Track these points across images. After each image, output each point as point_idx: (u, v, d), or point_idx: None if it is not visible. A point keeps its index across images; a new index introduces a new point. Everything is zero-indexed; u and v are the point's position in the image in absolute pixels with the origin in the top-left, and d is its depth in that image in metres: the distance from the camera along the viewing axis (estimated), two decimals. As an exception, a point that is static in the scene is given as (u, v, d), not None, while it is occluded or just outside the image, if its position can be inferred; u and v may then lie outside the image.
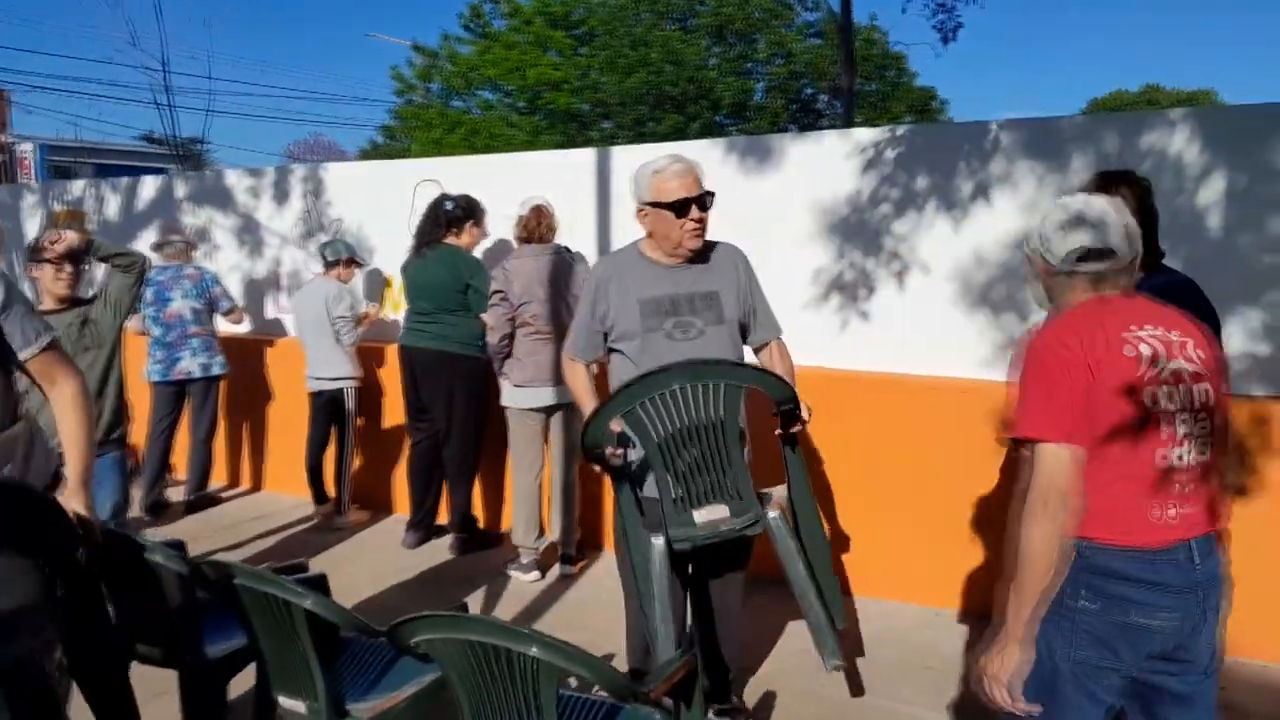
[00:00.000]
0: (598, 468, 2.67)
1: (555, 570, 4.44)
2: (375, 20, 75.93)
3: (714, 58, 24.45)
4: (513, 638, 1.79)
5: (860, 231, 4.15)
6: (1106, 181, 2.47)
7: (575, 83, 24.06)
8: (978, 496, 3.75)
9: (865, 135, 4.14)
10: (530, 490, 4.34)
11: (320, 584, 2.70)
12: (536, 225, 4.22)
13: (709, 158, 4.45)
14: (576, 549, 4.47)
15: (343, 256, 5.20)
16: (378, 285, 5.56)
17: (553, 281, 4.15)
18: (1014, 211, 3.86)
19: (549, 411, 4.30)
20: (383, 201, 5.49)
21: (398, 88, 27.06)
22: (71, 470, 2.22)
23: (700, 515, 2.58)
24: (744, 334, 2.91)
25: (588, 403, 2.82)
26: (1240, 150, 3.47)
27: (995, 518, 3.80)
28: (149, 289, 5.33)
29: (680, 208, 2.64)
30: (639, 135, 23.26)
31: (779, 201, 4.31)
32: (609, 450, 2.58)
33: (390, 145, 30.09)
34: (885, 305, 4.13)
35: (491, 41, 26.03)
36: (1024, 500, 1.69)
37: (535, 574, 4.35)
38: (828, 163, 4.20)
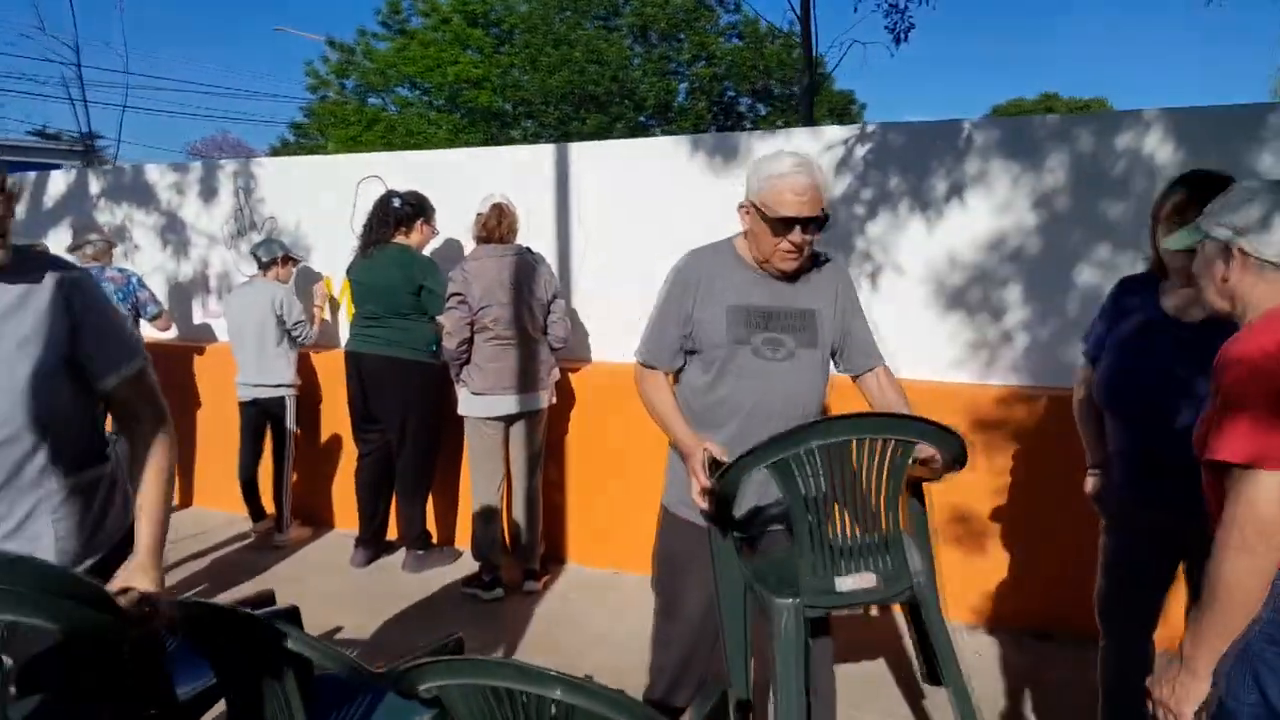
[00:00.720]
0: (703, 507, 2.24)
1: (518, 586, 4.24)
2: (283, 14, 73.64)
3: (637, 58, 24.35)
4: (543, 683, 1.61)
5: (831, 232, 4.05)
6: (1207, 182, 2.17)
7: (496, 81, 23.67)
8: (949, 503, 3.69)
9: (836, 133, 4.06)
10: (491, 504, 4.14)
11: (293, 616, 2.46)
12: (497, 225, 4.02)
13: (676, 155, 4.33)
14: (540, 564, 4.28)
15: (278, 255, 4.90)
16: (311, 284, 5.25)
17: (515, 284, 3.96)
18: (988, 212, 3.82)
19: (509, 420, 4.09)
20: (321, 199, 5.20)
21: (311, 83, 26.24)
22: (143, 536, 1.85)
23: (846, 583, 2.14)
24: (834, 357, 2.53)
25: (676, 424, 2.42)
26: (1213, 152, 3.47)
27: (970, 524, 3.75)
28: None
29: (782, 225, 2.26)
30: (563, 135, 23.02)
31: (747, 201, 4.19)
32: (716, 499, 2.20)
33: (302, 143, 29.18)
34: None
35: (409, 39, 25.44)
36: (1231, 528, 1.46)
37: (498, 591, 4.14)
38: (798, 161, 4.09)
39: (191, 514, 5.55)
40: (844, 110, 24.37)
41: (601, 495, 4.43)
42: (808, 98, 11.19)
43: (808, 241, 2.30)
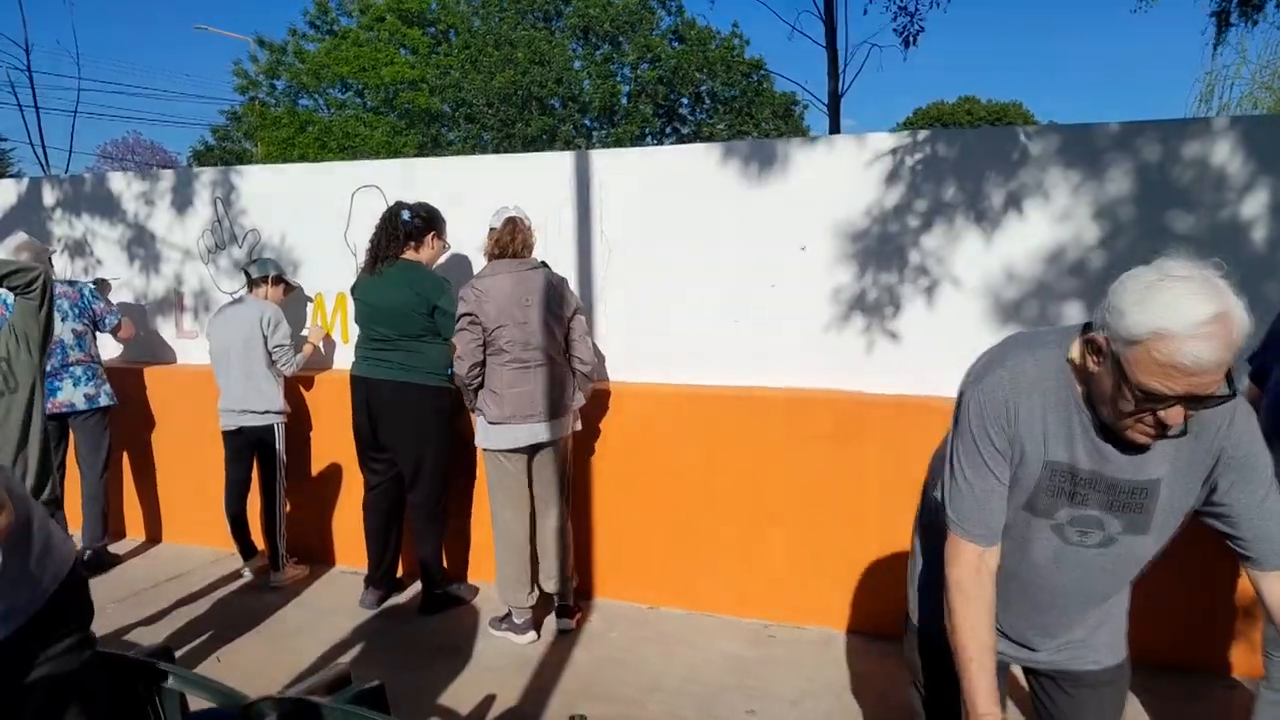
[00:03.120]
0: None
1: (550, 625, 3.95)
2: (203, 12, 71.20)
3: (579, 59, 24.08)
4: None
5: (883, 246, 3.88)
6: None
7: (434, 82, 23.12)
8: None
9: (884, 141, 3.87)
10: (518, 540, 3.83)
11: (378, 700, 2.15)
12: (511, 239, 3.73)
13: (706, 163, 4.10)
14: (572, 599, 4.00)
15: (269, 274, 4.53)
16: (300, 305, 4.89)
17: (532, 302, 3.68)
18: (1047, 223, 3.67)
19: (532, 450, 3.80)
20: (310, 211, 4.83)
21: (240, 84, 25.31)
22: None
23: None
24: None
25: (977, 668, 1.65)
26: (1281, 161, 3.38)
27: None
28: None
29: (1151, 400, 1.47)
30: (506, 136, 22.62)
31: (788, 213, 3.99)
32: None
33: (226, 146, 28.17)
34: (914, 324, 3.86)
35: (340, 38, 24.73)
36: None
37: (531, 634, 3.85)
38: (843, 171, 3.90)
39: (167, 550, 5.13)
40: (785, 113, 24.47)
41: (630, 525, 4.18)
42: (833, 104, 10.81)
43: (1182, 420, 1.49)
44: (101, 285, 4.95)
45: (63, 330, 4.57)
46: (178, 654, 3.80)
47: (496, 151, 22.33)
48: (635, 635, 3.90)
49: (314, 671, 3.59)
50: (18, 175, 21.10)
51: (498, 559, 3.87)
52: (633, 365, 4.30)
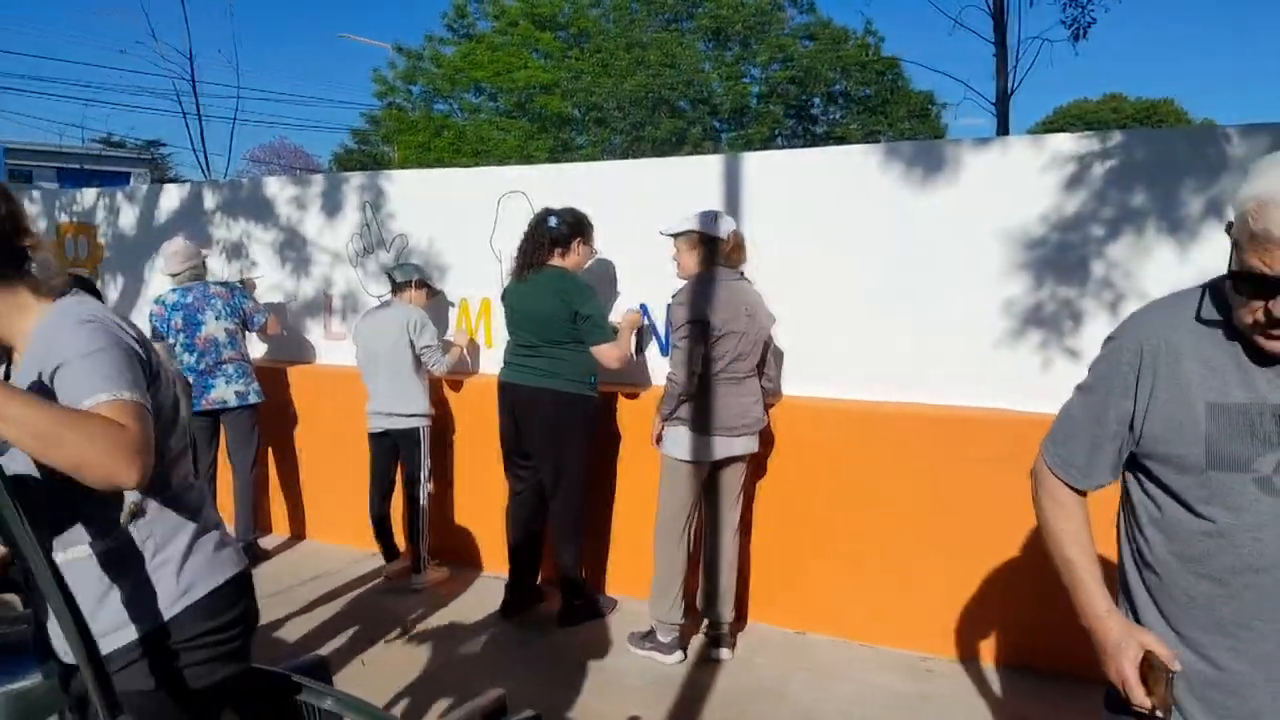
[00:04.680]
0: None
1: (693, 646, 3.81)
2: (346, 20, 74.42)
3: (710, 61, 23.93)
4: None
5: (1062, 256, 3.58)
6: None
7: (566, 86, 23.37)
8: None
9: (1066, 144, 3.58)
10: (679, 556, 3.69)
11: (537, 731, 2.06)
12: (733, 248, 3.64)
13: (866, 166, 3.88)
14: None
15: (413, 278, 4.56)
16: (444, 310, 4.90)
17: (753, 314, 3.58)
18: (1254, 232, 3.31)
19: (719, 465, 3.68)
20: (457, 215, 4.83)
21: (378, 90, 26.21)
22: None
23: None
24: None
25: (1086, 584, 1.59)
26: None
27: None
28: (176, 314, 4.68)
29: (1256, 288, 1.33)
30: (636, 140, 22.66)
31: (956, 220, 3.74)
32: None
33: (366, 150, 29.23)
34: (1095, 341, 3.53)
35: (476, 43, 25.30)
36: None
37: (679, 655, 3.71)
38: (1018, 175, 3.63)
39: (310, 548, 5.23)
40: (922, 112, 23.72)
41: (778, 545, 4.00)
42: (1002, 104, 10.26)
43: None
44: (245, 284, 5.08)
45: (216, 329, 4.71)
46: (325, 649, 3.85)
47: (625, 155, 22.40)
48: (785, 663, 3.72)
49: (453, 680, 3.57)
50: (175, 179, 22.42)
51: (657, 574, 3.74)
52: (781, 378, 4.12)
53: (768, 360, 3.74)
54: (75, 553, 1.62)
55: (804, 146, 19.94)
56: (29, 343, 1.59)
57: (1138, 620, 1.58)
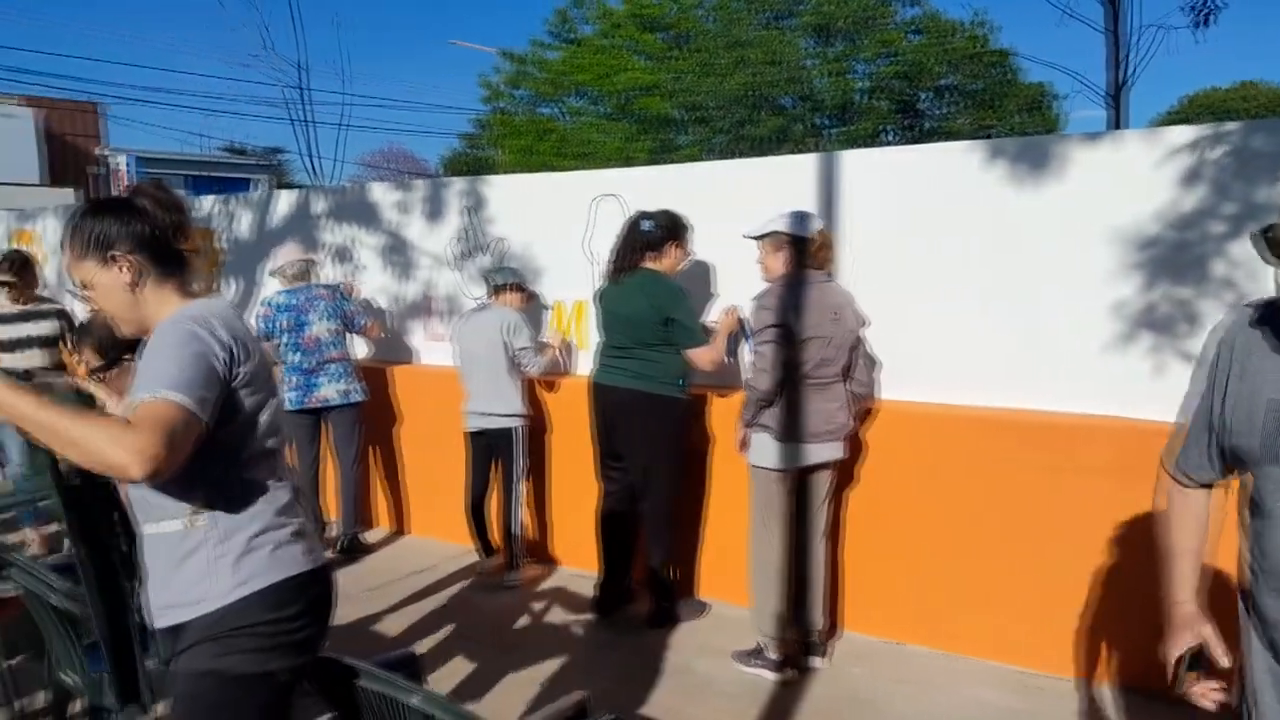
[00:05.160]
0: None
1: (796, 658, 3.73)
2: (457, 27, 76.39)
3: (813, 58, 23.60)
4: None
5: (1179, 254, 3.39)
6: None
7: (668, 87, 23.40)
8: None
9: (1183, 136, 3.39)
10: (782, 567, 3.60)
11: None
12: (819, 249, 3.57)
13: (967, 163, 3.76)
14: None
15: (510, 281, 4.63)
16: (539, 313, 4.96)
17: (840, 317, 3.51)
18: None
19: (806, 472, 3.61)
20: (553, 218, 4.89)
21: (485, 95, 26.76)
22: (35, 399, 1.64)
23: None
24: None
25: (1174, 571, 1.75)
26: None
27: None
28: (284, 315, 4.86)
29: None
30: (738, 138, 22.53)
31: (1063, 219, 3.58)
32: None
33: (473, 154, 29.88)
34: (1215, 344, 3.36)
35: (579, 47, 25.57)
36: None
37: (791, 673, 3.61)
38: (1131, 170, 3.45)
39: (411, 543, 5.37)
40: (1036, 105, 22.87)
41: (875, 553, 3.90)
42: (1115, 96, 9.81)
43: None
44: (345, 288, 5.23)
45: (320, 330, 4.88)
46: (417, 644, 3.95)
47: (727, 154, 22.30)
48: (881, 673, 3.63)
49: (541, 679, 3.61)
50: (293, 184, 23.41)
51: (756, 587, 3.66)
52: (879, 382, 4.03)
53: (857, 364, 3.64)
54: (160, 528, 1.84)
55: (911, 143, 19.49)
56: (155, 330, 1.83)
57: (1250, 611, 1.64)
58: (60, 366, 4.91)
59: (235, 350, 1.79)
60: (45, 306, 5.16)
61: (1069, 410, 3.59)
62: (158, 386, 1.65)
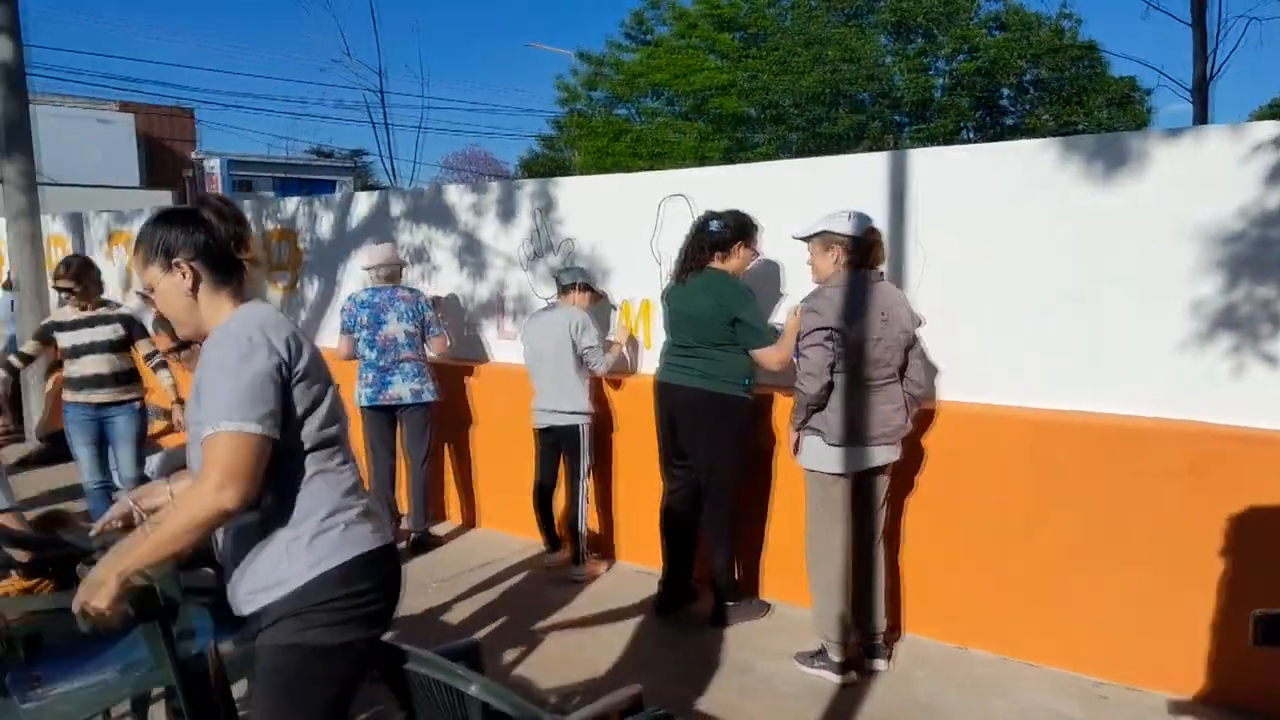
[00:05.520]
0: None
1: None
2: (535, 30, 77.36)
3: (892, 54, 23.25)
4: None
5: (1261, 253, 3.28)
6: None
7: (744, 86, 23.31)
8: None
9: (1266, 131, 3.27)
10: (842, 571, 3.58)
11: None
12: (871, 249, 3.55)
13: (1040, 162, 3.68)
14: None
15: (577, 281, 4.70)
16: (607, 311, 5.01)
17: (889, 318, 3.47)
18: None
19: (860, 476, 3.59)
20: (621, 219, 4.94)
21: (561, 97, 27.03)
22: (133, 541, 1.95)
23: None
24: None
25: None
26: None
27: None
28: (364, 311, 5.00)
29: None
30: (813, 136, 22.34)
31: (1140, 217, 3.49)
32: None
33: (550, 156, 30.20)
34: (1299, 347, 3.24)
35: (655, 47, 25.65)
36: None
37: (853, 675, 3.58)
38: (1213, 167, 3.35)
39: (481, 536, 5.48)
40: (1124, 99, 22.14)
41: (940, 556, 3.86)
42: (1200, 90, 9.45)
43: None
44: (437, 302, 5.34)
45: (396, 329, 4.99)
46: (482, 634, 4.04)
47: (802, 152, 22.11)
48: (944, 677, 3.59)
49: (601, 673, 3.67)
50: (376, 186, 23.99)
51: (816, 590, 3.64)
52: (946, 382, 3.98)
53: (912, 364, 3.58)
54: (248, 515, 1.95)
55: (991, 139, 19.06)
56: (209, 336, 1.98)
57: None
58: (128, 372, 5.03)
59: (286, 352, 1.92)
60: (107, 311, 5.06)
61: (1141, 414, 3.50)
62: (219, 419, 1.82)
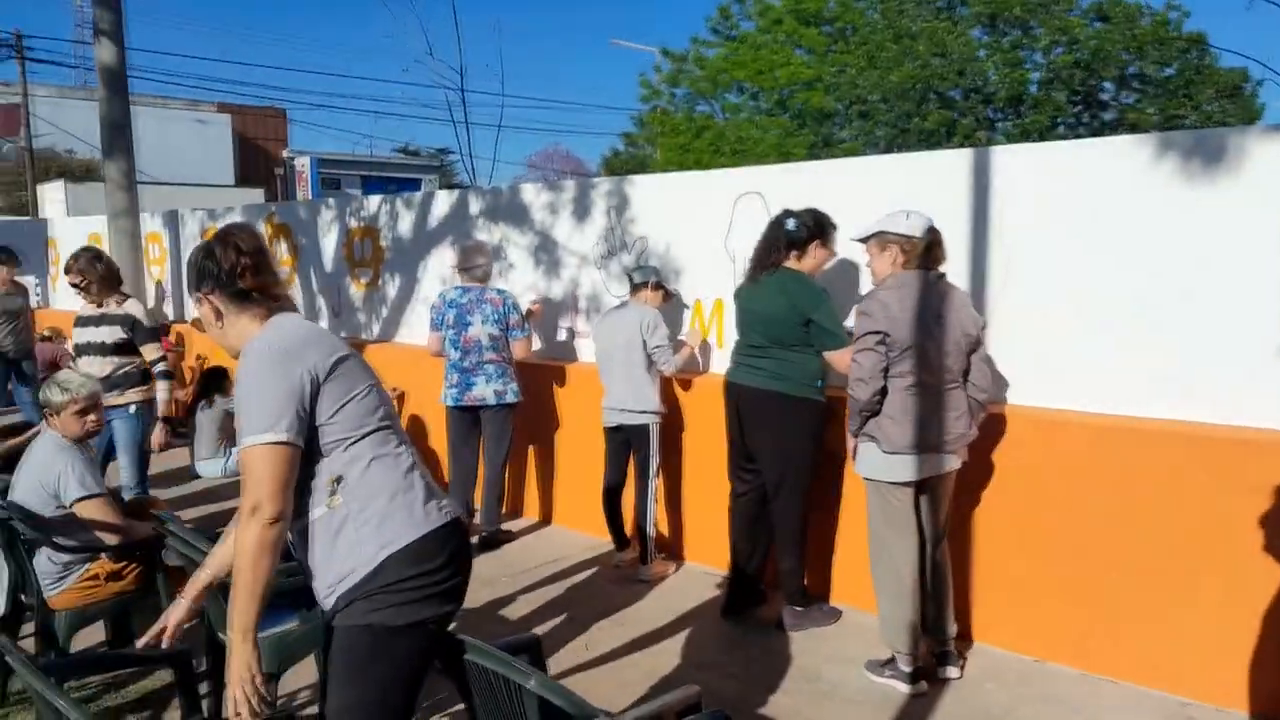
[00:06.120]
0: None
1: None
2: (619, 28, 77.82)
3: (984, 48, 22.63)
4: None
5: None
6: None
7: (829, 81, 23.00)
8: None
9: (1381, 125, 3.06)
10: (909, 579, 3.47)
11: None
12: (929, 249, 3.44)
13: (1132, 158, 3.53)
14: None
15: (649, 279, 4.68)
16: (678, 310, 4.99)
17: (945, 320, 3.35)
18: None
19: (920, 483, 3.48)
20: (695, 218, 4.91)
21: (644, 94, 27.09)
22: (201, 575, 2.30)
23: None
24: None
25: None
26: None
27: None
28: (451, 311, 5.04)
29: None
30: (901, 132, 21.91)
31: (1241, 216, 3.30)
32: None
33: (631, 154, 30.29)
34: None
35: (739, 43, 25.51)
36: None
37: (923, 685, 3.48)
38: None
39: (554, 533, 5.51)
40: (1233, 92, 21.12)
41: (1016, 566, 3.72)
42: None
43: None
44: (531, 311, 5.34)
45: (480, 332, 5.00)
46: (545, 630, 4.05)
47: (890, 148, 21.70)
48: (1017, 692, 3.47)
49: (663, 673, 3.65)
50: (459, 184, 24.39)
51: (882, 598, 3.55)
52: (1028, 387, 3.84)
53: (976, 368, 3.44)
54: (312, 516, 2.07)
55: (1089, 135, 18.40)
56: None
57: None
58: (125, 375, 4.80)
59: (311, 358, 2.02)
60: (113, 310, 4.82)
61: (1241, 424, 3.32)
62: (245, 435, 1.96)
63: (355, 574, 2.01)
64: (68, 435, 3.58)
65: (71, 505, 3.47)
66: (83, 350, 4.81)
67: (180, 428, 6.32)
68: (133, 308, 4.89)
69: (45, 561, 3.42)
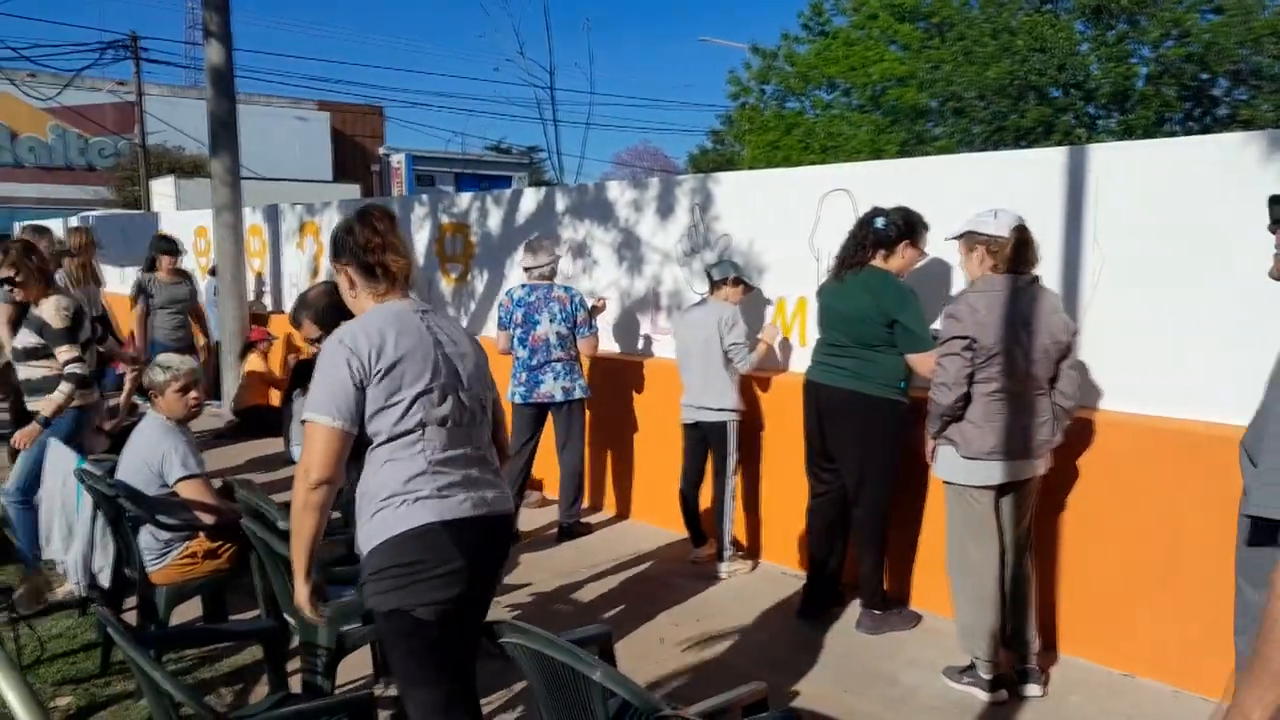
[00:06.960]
0: None
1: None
2: (708, 24, 77.66)
3: (1087, 42, 21.87)
4: None
5: None
6: None
7: (924, 76, 22.53)
8: None
9: None
10: (989, 585, 3.40)
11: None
12: (1018, 251, 3.33)
13: (1234, 157, 3.38)
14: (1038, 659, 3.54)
15: (729, 276, 4.66)
16: (760, 307, 4.96)
17: (1034, 325, 3.25)
18: None
19: (1001, 489, 3.40)
20: (778, 215, 4.88)
21: (732, 91, 26.97)
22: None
23: None
24: None
25: None
26: None
27: None
28: (519, 309, 5.09)
29: None
30: (997, 129, 21.34)
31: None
32: None
33: (719, 151, 30.20)
34: None
35: (831, 39, 25.19)
36: None
37: (1003, 693, 3.41)
38: None
39: (631, 528, 5.54)
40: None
41: (1104, 576, 3.61)
42: None
43: None
44: (595, 309, 5.33)
45: (547, 330, 5.03)
46: (617, 623, 4.08)
47: (985, 146, 21.15)
48: (1102, 706, 3.36)
49: (736, 671, 3.63)
50: (548, 181, 24.68)
51: (960, 604, 3.49)
52: (1119, 394, 3.71)
53: (1064, 375, 3.33)
54: (359, 492, 2.33)
55: (1199, 133, 17.61)
56: None
57: None
58: (44, 380, 4.28)
59: (367, 358, 2.21)
60: (33, 311, 4.28)
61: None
62: (308, 408, 2.22)
63: (364, 553, 2.30)
64: (172, 415, 3.75)
65: (174, 484, 3.63)
66: (17, 355, 4.37)
67: (108, 435, 5.34)
68: (45, 308, 4.26)
69: (148, 538, 3.59)
